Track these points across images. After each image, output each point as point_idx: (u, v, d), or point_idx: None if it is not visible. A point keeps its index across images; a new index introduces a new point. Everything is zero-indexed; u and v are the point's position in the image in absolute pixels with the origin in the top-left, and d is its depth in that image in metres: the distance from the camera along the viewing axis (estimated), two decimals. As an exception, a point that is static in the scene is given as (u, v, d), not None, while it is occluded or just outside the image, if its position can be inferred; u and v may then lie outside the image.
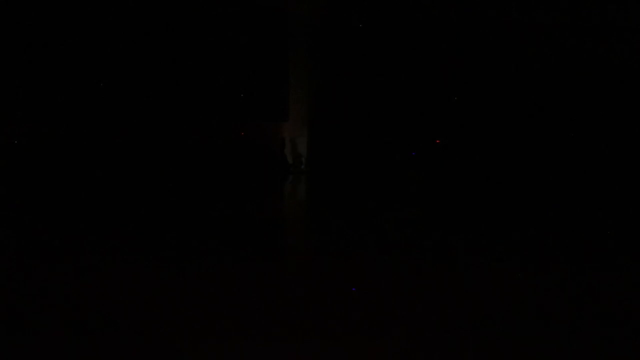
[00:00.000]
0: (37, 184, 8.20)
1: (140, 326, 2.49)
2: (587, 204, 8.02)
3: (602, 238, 5.08)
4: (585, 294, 3.21)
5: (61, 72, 10.13)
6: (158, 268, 3.57)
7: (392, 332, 2.41)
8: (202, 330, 2.41)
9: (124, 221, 5.46)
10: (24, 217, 5.50)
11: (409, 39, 12.57)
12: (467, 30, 11.75)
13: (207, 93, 13.70)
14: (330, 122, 14.67)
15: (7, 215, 5.64)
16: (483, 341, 2.37)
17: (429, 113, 12.39)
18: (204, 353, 2.15)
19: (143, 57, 12.43)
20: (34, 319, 2.60)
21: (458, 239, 4.76)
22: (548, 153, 10.81)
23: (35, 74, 9.97)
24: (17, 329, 2.46)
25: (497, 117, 11.44)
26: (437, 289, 3.10)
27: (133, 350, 2.22)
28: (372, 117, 13.73)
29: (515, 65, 11.13)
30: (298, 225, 5.75)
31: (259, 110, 14.52)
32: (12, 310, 2.72)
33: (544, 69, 10.80)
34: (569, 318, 2.70)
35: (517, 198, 8.81)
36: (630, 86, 9.91)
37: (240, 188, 10.25)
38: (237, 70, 14.35)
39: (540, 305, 2.91)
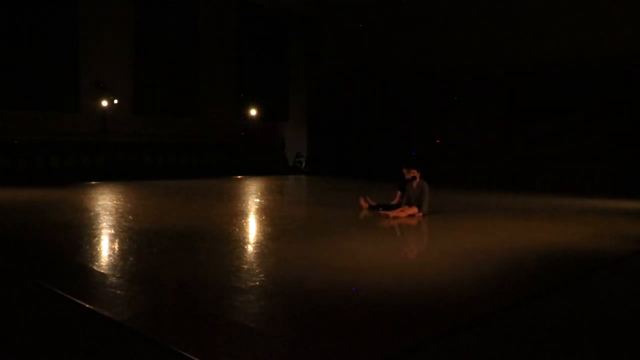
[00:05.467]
0: None
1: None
2: (586, 203, 8.03)
3: (601, 237, 5.09)
4: (586, 293, 3.22)
5: None
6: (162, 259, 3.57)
7: (386, 324, 2.41)
8: (202, 329, 2.41)
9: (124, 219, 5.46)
10: None
11: (408, 39, 12.58)
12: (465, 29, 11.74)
13: (207, 93, 13.73)
14: (330, 122, 14.67)
15: None
16: (483, 341, 2.37)
17: (429, 113, 12.39)
18: (204, 353, 2.14)
19: (144, 57, 12.49)
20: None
21: (457, 238, 4.77)
22: (547, 153, 10.81)
23: None
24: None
25: (497, 116, 11.44)
26: (436, 288, 3.11)
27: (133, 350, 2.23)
28: (372, 116, 13.73)
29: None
30: (297, 223, 5.76)
31: (260, 110, 14.53)
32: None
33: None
34: (569, 318, 2.70)
35: (516, 198, 8.81)
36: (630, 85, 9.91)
37: (240, 187, 10.26)
38: (237, 70, 14.37)
39: (542, 305, 2.92)
